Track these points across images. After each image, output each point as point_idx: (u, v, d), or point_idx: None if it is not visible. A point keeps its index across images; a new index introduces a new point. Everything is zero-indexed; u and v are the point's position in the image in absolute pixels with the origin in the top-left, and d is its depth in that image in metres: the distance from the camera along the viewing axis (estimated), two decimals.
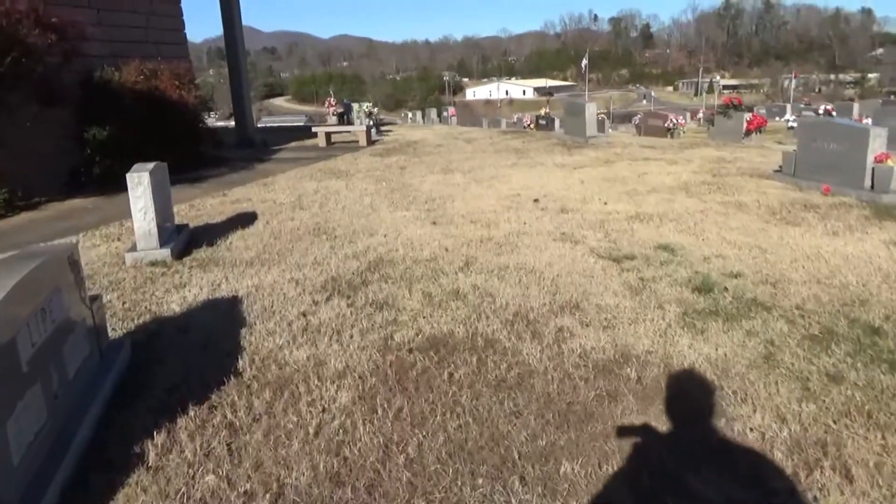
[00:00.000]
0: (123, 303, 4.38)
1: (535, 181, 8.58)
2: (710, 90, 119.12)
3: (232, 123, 17.62)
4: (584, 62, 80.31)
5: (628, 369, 3.19)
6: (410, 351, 3.49)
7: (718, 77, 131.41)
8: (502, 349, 3.47)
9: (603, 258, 5.03)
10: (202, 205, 8.02)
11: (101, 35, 10.93)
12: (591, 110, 12.64)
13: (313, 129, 15.22)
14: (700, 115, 18.69)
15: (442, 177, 9.25)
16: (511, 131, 18.98)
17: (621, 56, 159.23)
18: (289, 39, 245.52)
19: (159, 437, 2.71)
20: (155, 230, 5.38)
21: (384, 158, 11.79)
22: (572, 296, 4.23)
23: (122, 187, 7.73)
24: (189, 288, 4.66)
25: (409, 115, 35.03)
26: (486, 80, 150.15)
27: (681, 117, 17.68)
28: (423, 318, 3.94)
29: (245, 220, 6.99)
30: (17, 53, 7.61)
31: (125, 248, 5.75)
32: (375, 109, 19.49)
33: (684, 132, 16.99)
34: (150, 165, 5.55)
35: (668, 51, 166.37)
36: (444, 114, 26.81)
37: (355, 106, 18.00)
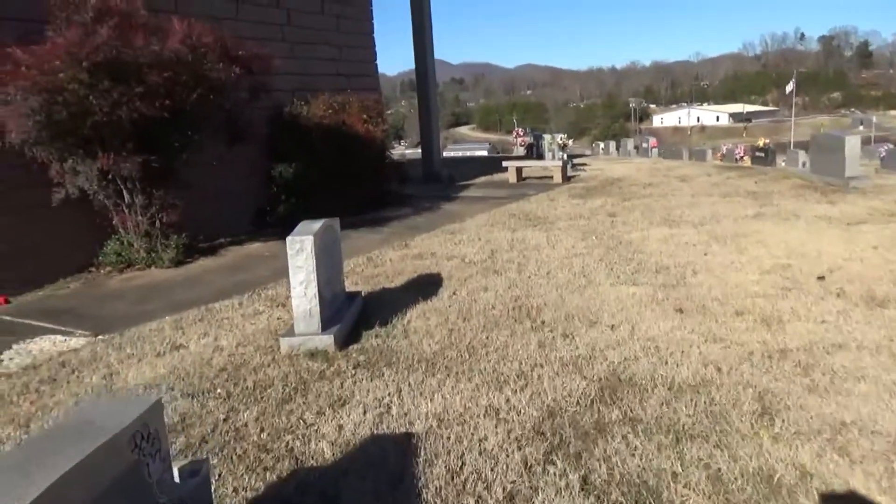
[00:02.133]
0: (261, 431, 3.14)
1: (801, 243, 6.39)
2: None
3: (420, 151, 17.00)
4: (791, 84, 72.54)
5: None
6: None
7: None
8: None
9: None
10: (381, 258, 6.90)
11: (293, 68, 10.51)
12: (853, 144, 9.93)
13: (503, 164, 13.95)
14: None
15: (668, 231, 7.34)
16: (726, 166, 16.30)
17: (832, 78, 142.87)
18: (475, 70, 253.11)
19: None
20: (317, 309, 4.18)
21: (586, 201, 10.09)
22: None
23: None
24: (349, 408, 3.33)
25: (601, 145, 32.82)
26: (674, 105, 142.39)
27: None
28: None
29: (428, 284, 5.68)
30: (203, 90, 7.07)
31: (285, 325, 4.66)
32: (570, 141, 17.88)
33: None
34: (317, 225, 4.39)
35: (891, 70, 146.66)
36: (644, 145, 24.35)
37: (546, 137, 16.55)
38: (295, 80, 10.51)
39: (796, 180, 10.98)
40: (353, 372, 3.81)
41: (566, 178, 13.27)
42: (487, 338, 4.29)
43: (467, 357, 3.96)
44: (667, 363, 3.68)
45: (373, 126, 10.52)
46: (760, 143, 20.62)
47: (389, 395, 3.47)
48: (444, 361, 3.92)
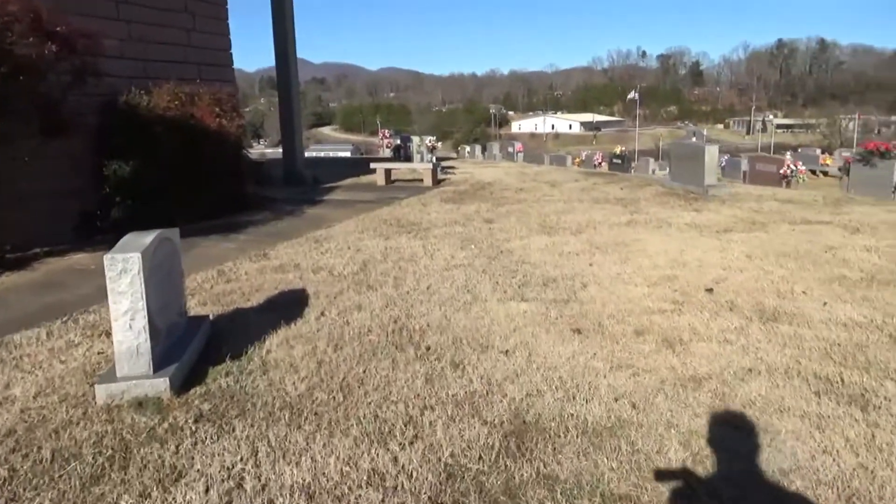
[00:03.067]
0: None
1: (680, 252, 6.30)
2: (764, 128, 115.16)
3: (280, 150, 15.81)
4: (636, 94, 77.78)
5: None
6: None
7: (771, 116, 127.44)
8: None
9: None
10: (235, 272, 5.96)
11: (132, 52, 9.17)
12: (713, 154, 10.31)
13: (371, 166, 13.24)
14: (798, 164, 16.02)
15: (548, 239, 7.03)
16: (590, 172, 16.68)
17: (670, 92, 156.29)
18: (338, 71, 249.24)
19: None
20: (146, 345, 3.28)
21: (459, 206, 9.65)
22: None
23: None
24: (186, 484, 2.51)
25: (468, 149, 32.87)
26: (531, 113, 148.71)
27: (800, 163, 15.15)
28: None
29: (291, 303, 4.88)
30: (5, 68, 5.75)
31: (108, 363, 3.68)
32: (439, 144, 17.49)
33: (804, 180, 14.50)
34: (149, 238, 3.47)
35: (717, 88, 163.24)
36: (510, 149, 24.57)
37: (415, 139, 16.04)
38: (134, 65, 9.17)
39: (658, 187, 11.27)
40: (194, 428, 2.96)
41: (437, 182, 12.83)
42: (365, 371, 3.60)
43: (341, 399, 3.25)
44: (574, 398, 3.19)
45: (227, 121, 9.43)
46: (617, 150, 21.55)
47: (242, 459, 2.69)
48: (312, 406, 3.18)
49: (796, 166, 14.55)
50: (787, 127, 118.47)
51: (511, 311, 4.58)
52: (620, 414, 3.02)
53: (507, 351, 3.85)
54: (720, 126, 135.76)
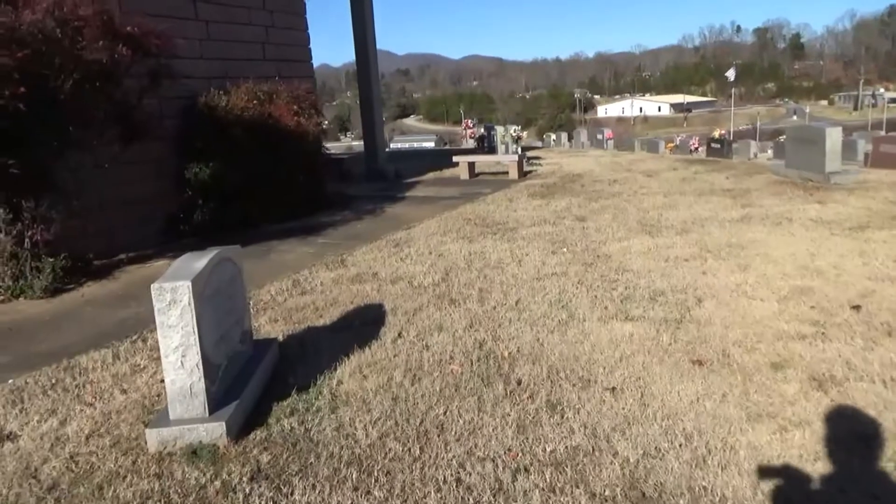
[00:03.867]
0: None
1: (811, 256, 5.41)
2: (874, 104, 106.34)
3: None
4: (732, 73, 73.37)
5: None
6: None
7: (882, 89, 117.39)
8: None
9: None
10: (310, 281, 5.61)
11: (209, 52, 9.05)
12: (835, 137, 9.12)
13: (454, 159, 12.75)
14: None
15: (650, 241, 6.29)
16: (689, 159, 15.49)
17: (767, 69, 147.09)
18: (421, 61, 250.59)
19: None
20: (200, 385, 2.90)
21: (548, 201, 8.99)
22: None
23: (230, 238, 6.38)
24: None
25: (553, 137, 31.77)
26: (618, 96, 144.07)
27: None
28: None
29: (367, 321, 4.45)
30: (80, 74, 5.62)
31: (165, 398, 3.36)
32: (524, 134, 16.80)
33: None
34: (203, 261, 3.09)
35: (821, 62, 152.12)
36: (599, 136, 23.42)
37: (499, 129, 15.41)
38: (212, 65, 9.05)
39: (770, 175, 10.16)
40: (248, 490, 2.54)
41: (523, 174, 12.18)
42: (446, 413, 3.09)
43: (418, 452, 2.76)
44: (705, 462, 2.55)
45: (305, 119, 9.17)
46: (716, 133, 20.03)
47: None
48: (384, 461, 2.70)
49: None
50: None
51: (615, 334, 3.94)
52: (774, 492, 2.35)
53: (613, 388, 3.24)
54: (824, 102, 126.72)
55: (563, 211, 8.21)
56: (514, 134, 14.51)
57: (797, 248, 5.66)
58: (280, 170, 8.65)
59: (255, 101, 8.78)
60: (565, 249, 6.13)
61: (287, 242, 7.47)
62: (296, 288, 5.44)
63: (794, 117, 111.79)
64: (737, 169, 11.33)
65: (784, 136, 28.01)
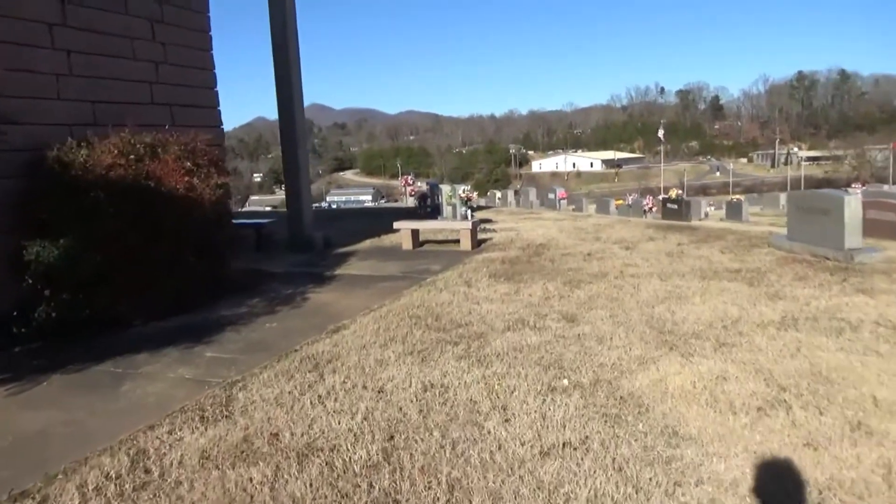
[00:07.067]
0: None
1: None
2: (787, 162, 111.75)
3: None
4: (661, 132, 74.92)
5: None
6: None
7: (796, 148, 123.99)
8: None
9: None
10: (163, 455, 3.37)
11: (74, 91, 6.86)
12: (854, 207, 7.63)
13: (395, 225, 10.71)
14: None
15: (684, 365, 4.34)
16: (664, 225, 13.87)
17: (690, 128, 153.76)
18: (358, 115, 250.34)
19: None
20: None
21: (517, 286, 7.04)
22: None
23: (87, 344, 5.41)
24: None
25: (498, 194, 30.03)
26: (551, 152, 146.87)
27: None
28: None
29: None
30: None
31: None
32: (475, 195, 14.99)
33: None
34: None
35: (738, 122, 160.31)
36: (551, 196, 21.76)
37: (445, 189, 13.55)
38: (75, 108, 6.84)
39: (772, 250, 8.58)
40: None
41: (476, 244, 10.26)
42: None
43: None
44: None
45: (200, 179, 6.99)
46: (673, 193, 18.85)
47: None
48: None
49: None
50: (814, 159, 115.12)
51: None
52: None
53: None
54: (744, 160, 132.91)
55: (541, 303, 6.25)
56: (462, 195, 12.65)
57: (871, 372, 3.85)
58: (161, 248, 6.39)
59: (132, 156, 6.57)
60: (566, 382, 4.12)
61: (160, 356, 5.20)
62: (132, 472, 3.20)
63: (718, 173, 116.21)
64: (725, 240, 9.74)
65: (743, 197, 27.52)
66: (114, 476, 3.17)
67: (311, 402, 4.00)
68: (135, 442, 3.55)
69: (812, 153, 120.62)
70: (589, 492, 2.80)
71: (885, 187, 28.75)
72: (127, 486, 3.08)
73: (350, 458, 3.25)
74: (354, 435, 3.50)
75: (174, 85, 8.12)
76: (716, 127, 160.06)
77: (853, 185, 24.65)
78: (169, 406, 4.08)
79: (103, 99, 7.16)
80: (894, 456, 3.00)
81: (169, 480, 3.11)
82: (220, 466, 3.22)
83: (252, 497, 2.91)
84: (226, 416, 3.86)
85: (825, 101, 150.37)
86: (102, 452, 3.43)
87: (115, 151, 6.47)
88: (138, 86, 7.67)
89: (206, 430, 3.67)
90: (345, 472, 3.10)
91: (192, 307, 6.79)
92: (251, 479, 3.07)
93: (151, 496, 2.98)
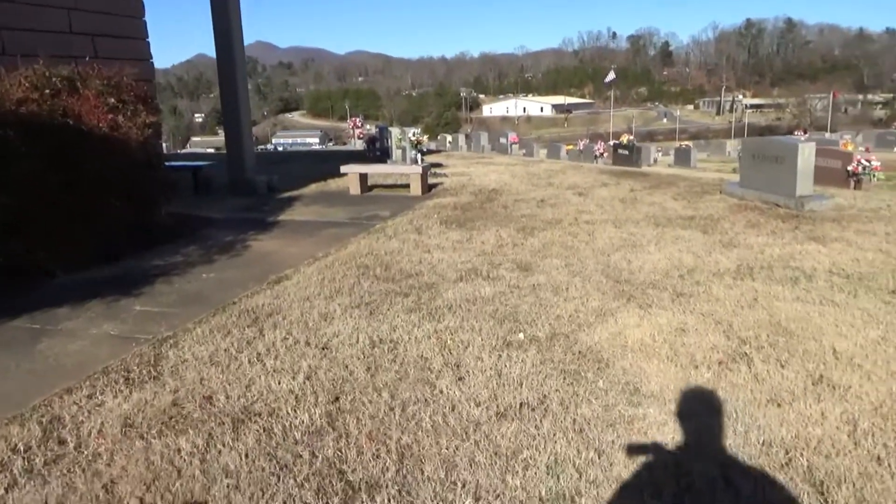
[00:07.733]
0: None
1: (881, 353, 3.56)
2: (732, 109, 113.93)
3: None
4: (612, 76, 74.34)
5: None
6: None
7: (741, 96, 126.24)
8: None
9: None
10: (81, 423, 3.04)
11: None
12: (808, 154, 7.60)
13: (342, 169, 10.24)
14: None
15: (642, 317, 4.20)
16: (618, 171, 13.75)
17: (640, 74, 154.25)
18: (305, 55, 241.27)
19: None
20: None
21: (470, 233, 6.79)
22: None
23: None
24: None
25: (449, 138, 29.46)
26: (502, 96, 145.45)
27: (873, 157, 12.47)
28: None
29: None
30: None
31: None
32: (425, 138, 14.51)
33: (876, 178, 11.91)
34: None
35: (687, 69, 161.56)
36: (503, 140, 21.39)
37: (394, 132, 13.08)
38: None
39: (724, 197, 8.55)
40: None
41: (427, 189, 9.92)
42: None
43: None
44: None
45: (126, 117, 6.40)
46: (624, 139, 18.76)
47: None
48: None
49: (869, 161, 11.94)
50: (757, 107, 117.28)
51: None
52: None
53: None
54: (690, 107, 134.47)
55: (494, 252, 6.03)
56: (412, 138, 12.20)
57: (868, 335, 3.79)
58: (81, 191, 5.85)
59: (45, 91, 5.94)
60: (522, 336, 3.93)
61: (83, 310, 4.78)
62: (44, 445, 2.86)
63: (665, 120, 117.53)
64: (677, 186, 9.68)
65: (691, 144, 27.73)
66: (22, 449, 2.83)
67: (248, 361, 3.69)
68: (49, 408, 3.19)
69: (756, 101, 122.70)
70: (549, 457, 2.62)
71: (826, 135, 29.48)
72: (37, 459, 2.75)
73: (291, 423, 2.98)
74: (296, 397, 3.23)
75: (96, 12, 7.37)
76: (664, 73, 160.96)
77: (795, 133, 25.09)
78: (90, 367, 3.71)
79: (12, 25, 6.42)
80: (858, 411, 2.92)
81: (86, 453, 2.79)
82: (145, 436, 2.91)
83: (179, 471, 2.63)
84: (154, 378, 3.52)
85: (771, 49, 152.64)
86: (11, 421, 3.07)
87: (27, 85, 5.84)
88: (54, 12, 6.92)
89: (130, 393, 3.34)
90: (284, 440, 2.84)
91: (121, 256, 6.30)
92: (179, 450, 2.78)
93: (65, 471, 2.66)
